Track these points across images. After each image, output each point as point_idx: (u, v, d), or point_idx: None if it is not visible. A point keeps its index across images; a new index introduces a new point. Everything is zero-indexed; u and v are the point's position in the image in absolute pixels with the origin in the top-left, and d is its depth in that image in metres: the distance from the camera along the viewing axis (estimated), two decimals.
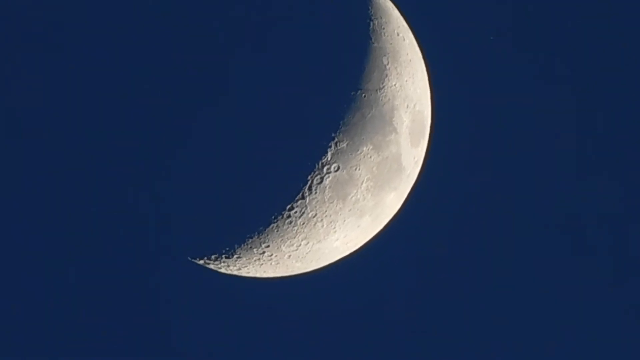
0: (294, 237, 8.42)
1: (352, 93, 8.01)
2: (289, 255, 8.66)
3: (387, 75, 8.34)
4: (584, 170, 13.21)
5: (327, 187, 8.13)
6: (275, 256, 8.63)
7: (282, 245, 8.48)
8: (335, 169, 8.09)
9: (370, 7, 8.50)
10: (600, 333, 13.17)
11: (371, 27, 8.37)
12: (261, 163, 7.80)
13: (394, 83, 8.41)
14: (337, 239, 8.67)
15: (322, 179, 8.06)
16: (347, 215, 8.43)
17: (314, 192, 8.10)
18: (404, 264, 12.84)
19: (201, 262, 8.97)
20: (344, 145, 8.02)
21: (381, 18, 8.54)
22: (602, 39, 13.18)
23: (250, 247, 8.46)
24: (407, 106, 8.56)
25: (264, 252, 8.54)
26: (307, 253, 8.69)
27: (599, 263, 13.21)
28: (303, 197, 8.09)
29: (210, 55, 7.73)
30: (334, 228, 8.48)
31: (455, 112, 12.27)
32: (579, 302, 13.22)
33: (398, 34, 8.72)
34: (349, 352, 12.90)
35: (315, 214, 8.26)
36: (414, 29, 9.21)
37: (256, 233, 8.28)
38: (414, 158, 8.85)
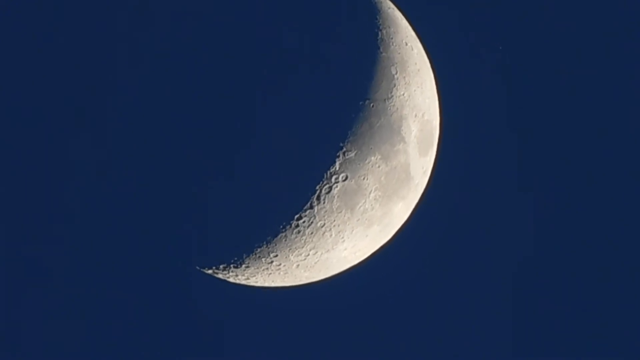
0: (303, 247, 8.41)
1: (361, 103, 8.01)
2: (297, 265, 8.66)
3: (395, 85, 8.34)
4: (592, 179, 13.18)
5: (336, 197, 8.13)
6: (284, 266, 8.63)
7: (290, 255, 8.48)
8: (344, 178, 8.08)
9: (378, 17, 8.51)
10: (613, 341, 13.14)
11: (379, 36, 8.38)
12: (269, 173, 7.81)
13: (402, 92, 8.41)
14: (346, 249, 8.66)
15: (330, 188, 8.06)
16: (355, 225, 8.42)
17: (322, 202, 8.10)
18: (412, 274, 12.82)
19: (210, 271, 8.97)
20: (352, 154, 8.02)
21: (389, 28, 8.54)
22: (613, 48, 13.18)
23: (259, 257, 8.46)
24: (416, 115, 8.56)
25: (272, 262, 8.54)
26: (315, 263, 8.68)
27: (606, 275, 13.18)
28: (311, 207, 8.09)
29: (217, 64, 7.75)
30: (342, 238, 8.47)
31: (463, 121, 12.27)
32: (583, 309, 13.20)
33: (406, 44, 8.73)
34: None
35: (324, 224, 8.26)
36: (422, 39, 9.22)
37: (264, 243, 8.28)
38: (423, 167, 8.83)
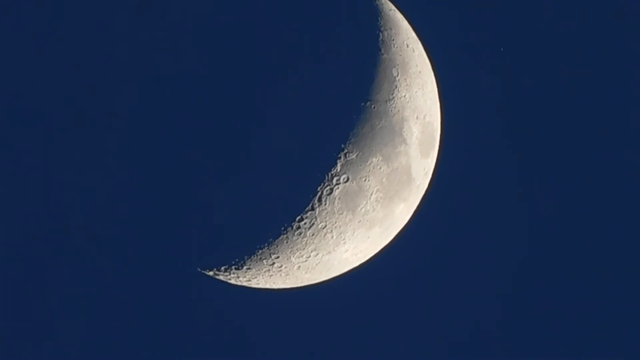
0: (304, 249, 8.41)
1: (362, 104, 8.01)
2: (299, 267, 8.66)
3: (396, 87, 8.34)
4: (592, 180, 13.19)
5: (337, 199, 8.13)
6: (285, 267, 8.63)
7: (291, 257, 8.48)
8: (345, 180, 8.08)
9: (379, 19, 8.50)
10: (613, 341, 13.16)
11: (381, 38, 8.38)
12: (270, 174, 7.80)
13: (403, 94, 8.41)
14: (347, 250, 8.66)
15: (331, 190, 8.06)
16: (356, 227, 8.42)
17: (323, 204, 8.10)
18: (413, 275, 12.82)
19: (211, 273, 8.97)
20: (354, 156, 8.01)
21: (391, 29, 8.54)
22: (613, 48, 13.18)
23: (260, 259, 8.46)
24: (417, 117, 8.56)
25: (273, 263, 8.53)
26: (316, 264, 8.68)
27: (605, 275, 13.19)
28: (313, 209, 8.08)
29: (217, 64, 7.74)
30: (344, 239, 8.47)
31: (464, 122, 12.27)
32: (583, 310, 13.20)
33: (408, 46, 8.72)
34: None
35: (325, 225, 8.26)
36: (424, 41, 9.22)
37: (266, 244, 8.28)
38: (424, 169, 8.83)
